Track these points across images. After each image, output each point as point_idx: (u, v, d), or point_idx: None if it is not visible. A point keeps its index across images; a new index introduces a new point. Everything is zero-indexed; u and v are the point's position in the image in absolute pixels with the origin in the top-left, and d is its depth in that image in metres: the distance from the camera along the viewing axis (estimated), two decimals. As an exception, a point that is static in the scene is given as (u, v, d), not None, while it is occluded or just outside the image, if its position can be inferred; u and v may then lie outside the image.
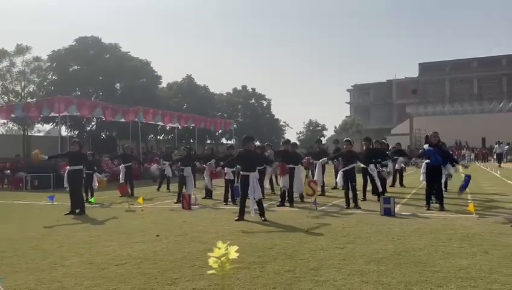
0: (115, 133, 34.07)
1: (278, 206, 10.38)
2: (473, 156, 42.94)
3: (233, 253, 2.35)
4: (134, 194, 13.64)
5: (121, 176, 14.29)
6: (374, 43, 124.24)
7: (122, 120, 23.98)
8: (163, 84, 42.87)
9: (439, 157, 9.30)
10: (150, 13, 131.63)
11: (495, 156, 33.90)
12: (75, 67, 34.04)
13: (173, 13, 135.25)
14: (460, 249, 5.50)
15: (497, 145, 32.89)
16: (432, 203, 9.32)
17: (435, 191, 9.37)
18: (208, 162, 11.69)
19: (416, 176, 14.90)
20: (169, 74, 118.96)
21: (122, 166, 14.43)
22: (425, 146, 9.58)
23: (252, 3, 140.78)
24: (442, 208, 9.01)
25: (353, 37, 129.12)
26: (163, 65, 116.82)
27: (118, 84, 36.64)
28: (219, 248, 2.32)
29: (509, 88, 66.45)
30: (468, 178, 10.53)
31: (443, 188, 10.33)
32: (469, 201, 10.10)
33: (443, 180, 10.42)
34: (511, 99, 57.24)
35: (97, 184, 12.58)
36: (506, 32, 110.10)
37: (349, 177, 9.87)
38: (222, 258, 2.33)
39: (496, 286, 4.01)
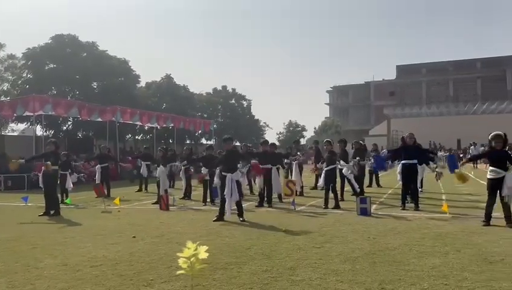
0: (92, 133, 33.48)
1: (256, 206, 10.39)
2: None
3: (203, 253, 2.33)
4: (111, 195, 13.45)
5: (97, 177, 14.07)
6: (353, 45, 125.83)
7: (99, 120, 23.61)
8: (142, 84, 42.37)
9: (415, 158, 9.48)
10: (129, 12, 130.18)
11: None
12: (51, 66, 33.27)
13: (153, 12, 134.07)
14: (433, 248, 5.62)
15: (472, 146, 33.60)
16: (407, 203, 9.49)
17: (410, 191, 9.54)
18: (202, 170, 11.29)
19: (392, 176, 15.15)
20: (148, 73, 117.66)
21: (98, 166, 14.21)
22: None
23: (233, 3, 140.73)
24: (417, 208, 9.19)
25: (333, 39, 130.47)
26: (142, 64, 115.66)
27: (95, 83, 35.99)
28: (188, 248, 2.30)
29: (484, 90, 68.30)
30: (451, 158, 10.44)
31: (419, 188, 10.53)
32: (443, 201, 10.32)
33: (419, 180, 10.62)
34: (485, 102, 58.79)
35: (71, 185, 12.38)
36: (481, 36, 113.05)
37: (330, 178, 9.97)
38: (192, 259, 2.31)
39: (467, 284, 4.11)
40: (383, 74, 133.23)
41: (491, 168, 7.38)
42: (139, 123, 27.68)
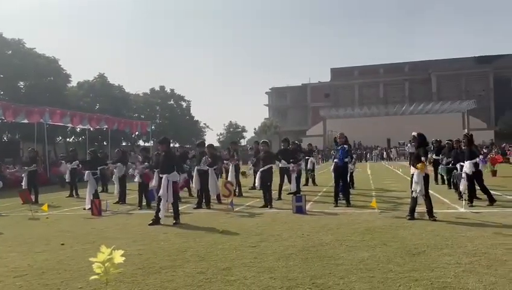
0: (19, 136, 31.47)
1: (194, 208, 10.30)
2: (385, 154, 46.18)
3: (118, 258, 2.26)
4: (39, 200, 12.69)
5: (23, 182, 13.22)
6: (291, 47, 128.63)
7: (26, 121, 22.19)
8: (73, 83, 40.45)
9: (344, 157, 9.89)
10: (61, 8, 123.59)
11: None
12: (-29, 64, 30.87)
13: (85, 9, 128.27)
14: (362, 242, 5.90)
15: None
16: (340, 199, 9.88)
17: (342, 188, 9.93)
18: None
19: (328, 175, 15.66)
20: (79, 72, 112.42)
21: (25, 171, 13.35)
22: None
23: (175, 2, 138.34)
24: (348, 204, 9.59)
25: (273, 41, 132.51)
26: (73, 63, 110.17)
27: (21, 83, 33.87)
28: (103, 253, 2.23)
29: (411, 92, 72.67)
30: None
31: (350, 186, 10.99)
32: (373, 197, 10.85)
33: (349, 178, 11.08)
34: (412, 103, 62.52)
35: None
36: (409, 41, 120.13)
37: (266, 178, 10.11)
38: (106, 264, 2.24)
39: (391, 275, 4.36)
40: (319, 76, 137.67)
41: (411, 166, 7.94)
42: (70, 125, 26.39)
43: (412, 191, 7.68)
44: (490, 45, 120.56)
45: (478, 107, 58.64)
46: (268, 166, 10.30)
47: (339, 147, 9.95)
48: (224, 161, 13.00)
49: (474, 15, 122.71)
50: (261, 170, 10.36)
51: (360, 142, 51.38)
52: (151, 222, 8.10)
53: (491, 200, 9.14)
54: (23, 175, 13.43)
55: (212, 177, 10.49)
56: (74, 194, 14.61)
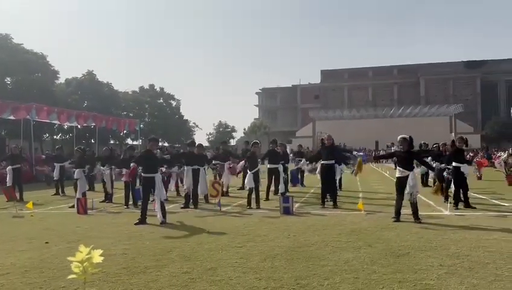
0: (5, 132, 31.04)
1: (181, 208, 10.26)
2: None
3: (97, 257, 2.24)
4: (24, 198, 12.53)
5: (8, 179, 13.03)
6: (282, 48, 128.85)
7: (12, 118, 21.88)
8: (61, 80, 40.04)
9: (332, 158, 9.96)
10: (49, 2, 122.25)
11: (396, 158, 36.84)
12: (-45, 58, 30.39)
13: (75, 5, 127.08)
14: (347, 244, 5.93)
15: (395, 147, 35.81)
16: (327, 201, 9.92)
17: (329, 189, 9.98)
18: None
19: (314, 176, 15.71)
20: (68, 69, 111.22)
21: (9, 168, 13.18)
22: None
23: (173, 2, 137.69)
24: (335, 206, 9.64)
25: (263, 41, 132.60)
26: (62, 60, 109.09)
27: (8, 79, 33.42)
28: (81, 252, 2.22)
29: (399, 95, 73.37)
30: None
31: (337, 187, 11.04)
32: (359, 199, 10.93)
33: (337, 180, 11.14)
34: (401, 106, 63.13)
35: None
36: (397, 44, 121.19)
37: (254, 178, 10.12)
38: (85, 263, 2.22)
39: (375, 277, 4.39)
40: (309, 77, 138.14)
41: (398, 168, 8.00)
42: (56, 122, 26.06)
43: (406, 194, 7.65)
44: (479, 49, 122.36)
45: (465, 112, 59.50)
46: (257, 168, 10.32)
47: (327, 149, 10.00)
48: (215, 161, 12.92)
49: (464, 20, 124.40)
50: (251, 171, 10.35)
51: (345, 143, 51.67)
52: (137, 221, 8.05)
53: (456, 204, 9.28)
54: (7, 172, 13.25)
55: (201, 177, 10.49)
56: (60, 193, 14.45)
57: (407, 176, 7.69)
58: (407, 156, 7.93)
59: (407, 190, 7.63)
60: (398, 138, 8.11)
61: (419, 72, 72.59)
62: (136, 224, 7.93)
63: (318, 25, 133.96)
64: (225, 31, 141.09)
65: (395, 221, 7.64)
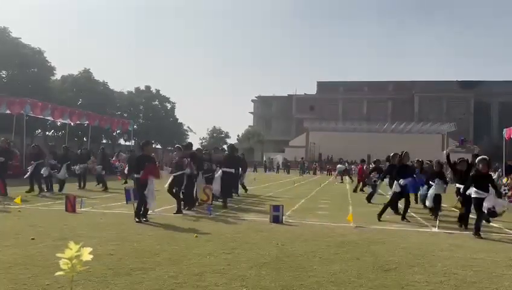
0: (-5, 126, 30.73)
1: (174, 213, 10.19)
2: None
3: (86, 255, 2.22)
4: (9, 194, 12.30)
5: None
6: (280, 57, 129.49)
7: (8, 112, 21.70)
8: (57, 76, 39.85)
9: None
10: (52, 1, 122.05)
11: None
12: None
13: (75, 4, 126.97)
14: (335, 255, 5.93)
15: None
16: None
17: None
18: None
19: (308, 186, 15.74)
20: (64, 65, 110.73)
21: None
22: None
23: (166, 1, 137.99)
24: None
25: (262, 49, 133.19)
26: (59, 56, 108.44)
27: (3, 72, 33.22)
28: (70, 249, 2.19)
29: (393, 111, 73.89)
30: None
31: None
32: (349, 211, 10.93)
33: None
34: (394, 121, 63.50)
35: None
36: (393, 60, 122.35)
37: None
38: (73, 261, 2.20)
39: None
40: (305, 88, 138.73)
41: (475, 189, 8.12)
42: (50, 118, 25.89)
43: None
44: (473, 70, 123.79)
45: (458, 130, 59.94)
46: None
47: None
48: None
49: (460, 38, 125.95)
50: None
51: (332, 156, 51.77)
52: (137, 219, 8.37)
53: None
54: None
55: (199, 182, 10.53)
56: (45, 189, 14.17)
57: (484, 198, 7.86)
58: (486, 179, 8.10)
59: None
60: (478, 158, 8.28)
61: (414, 88, 73.23)
62: (138, 222, 8.23)
63: (317, 37, 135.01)
64: (226, 37, 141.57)
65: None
